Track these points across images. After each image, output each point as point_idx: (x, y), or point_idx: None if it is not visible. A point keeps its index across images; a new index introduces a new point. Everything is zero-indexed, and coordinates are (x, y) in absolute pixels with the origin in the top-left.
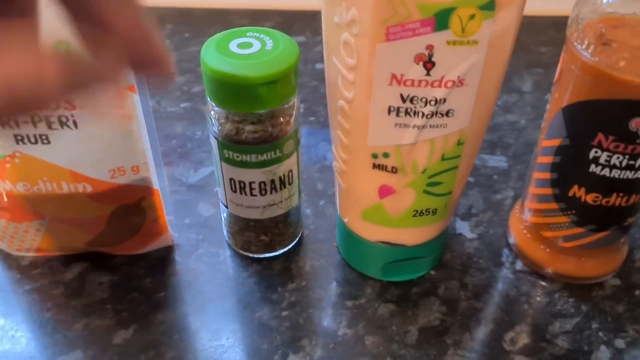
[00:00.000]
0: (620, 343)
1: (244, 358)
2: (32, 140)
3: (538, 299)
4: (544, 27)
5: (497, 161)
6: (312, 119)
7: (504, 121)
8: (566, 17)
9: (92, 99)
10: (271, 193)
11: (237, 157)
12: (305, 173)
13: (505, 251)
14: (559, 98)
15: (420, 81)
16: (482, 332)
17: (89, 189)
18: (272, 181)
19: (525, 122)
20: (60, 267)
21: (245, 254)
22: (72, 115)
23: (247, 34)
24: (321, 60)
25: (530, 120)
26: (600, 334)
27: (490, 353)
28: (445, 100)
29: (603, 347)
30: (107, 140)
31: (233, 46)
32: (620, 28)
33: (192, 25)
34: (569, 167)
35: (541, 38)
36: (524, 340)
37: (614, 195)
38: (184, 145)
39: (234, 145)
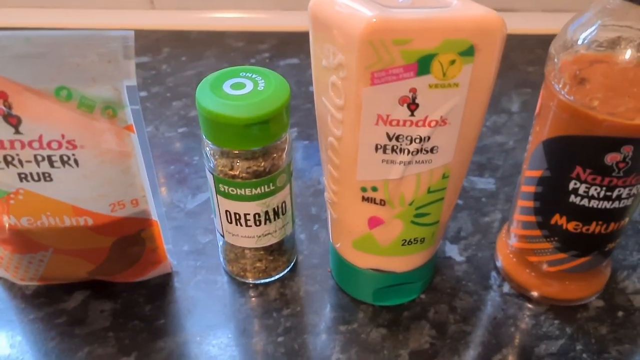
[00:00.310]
0: None
1: None
2: (36, 178)
3: (524, 321)
4: (533, 45)
5: (486, 183)
6: (306, 142)
7: (493, 142)
8: (554, 36)
9: (93, 138)
10: (265, 223)
11: (232, 191)
12: (300, 197)
13: (493, 274)
14: (540, 131)
15: (405, 121)
16: (470, 355)
17: (91, 222)
18: (267, 212)
19: (514, 143)
20: (63, 295)
21: (242, 280)
22: (74, 154)
23: (240, 74)
24: None
25: (518, 142)
26: (584, 355)
27: None
28: (429, 138)
29: None
30: (108, 177)
31: (227, 87)
32: (595, 65)
33: (189, 48)
34: (551, 197)
35: (530, 57)
36: None
37: (594, 223)
38: (181, 171)
39: (229, 180)
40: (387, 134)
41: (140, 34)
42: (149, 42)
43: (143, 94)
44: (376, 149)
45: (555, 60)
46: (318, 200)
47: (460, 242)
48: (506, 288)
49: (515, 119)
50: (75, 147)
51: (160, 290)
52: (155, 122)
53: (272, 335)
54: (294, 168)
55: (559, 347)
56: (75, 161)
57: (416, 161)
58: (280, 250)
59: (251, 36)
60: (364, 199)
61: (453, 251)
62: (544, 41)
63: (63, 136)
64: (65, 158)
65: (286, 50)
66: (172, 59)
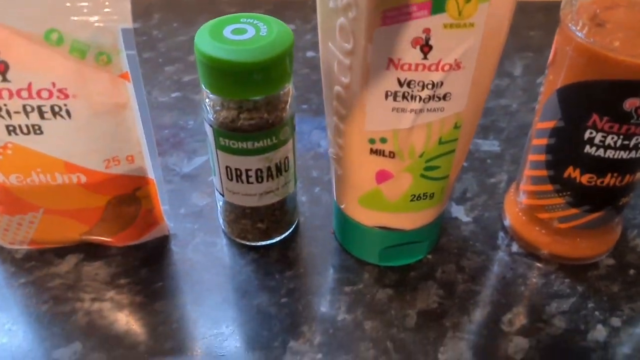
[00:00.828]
0: (616, 322)
1: (244, 345)
2: (25, 130)
3: (534, 280)
4: (534, 10)
5: (490, 145)
6: (304, 106)
7: (496, 105)
8: (556, 1)
9: (85, 87)
10: (267, 180)
11: (233, 144)
12: (300, 161)
13: (501, 234)
14: (554, 80)
15: (417, 65)
16: (480, 314)
17: (84, 179)
18: (269, 168)
19: (517, 106)
20: (55, 259)
21: (242, 242)
22: (65, 105)
23: (241, 20)
24: (312, 48)
25: (522, 104)
26: (597, 313)
27: (489, 335)
28: (442, 83)
29: (599, 326)
30: (101, 130)
31: (227, 32)
32: (614, 9)
33: (181, 14)
34: (564, 149)
35: (531, 22)
36: (521, 321)
37: (609, 175)
38: (176, 135)
39: (230, 133)
40: (398, 80)
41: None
42: (139, 8)
43: None
44: (386, 96)
45: (573, 1)
46: (319, 163)
47: (467, 202)
48: (515, 248)
49: (518, 82)
50: (67, 96)
51: (157, 253)
52: (147, 87)
53: (274, 297)
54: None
55: (570, 305)
56: (67, 112)
57: (428, 109)
58: (282, 210)
59: (245, 2)
60: (372, 151)
61: (459, 212)
62: (545, 7)
63: (54, 84)
64: (56, 109)
65: (282, 15)
66: (164, 25)
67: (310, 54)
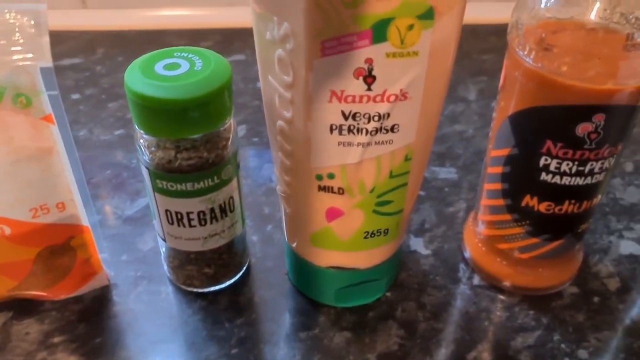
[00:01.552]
0: (583, 354)
1: None
2: None
3: (498, 314)
4: (486, 34)
5: (447, 173)
6: (255, 139)
7: (452, 131)
8: (507, 24)
9: (4, 132)
10: (211, 223)
11: (172, 186)
12: (251, 197)
13: (462, 266)
14: (505, 106)
15: (361, 97)
16: (443, 354)
17: (8, 231)
18: (212, 210)
19: (473, 131)
20: None
21: (189, 289)
22: None
23: (175, 54)
24: None
25: (478, 129)
26: (563, 345)
27: None
28: (389, 115)
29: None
30: (25, 177)
31: (159, 68)
32: (560, 32)
33: (126, 47)
34: (520, 177)
35: (483, 45)
36: (486, 359)
37: (566, 202)
38: (119, 175)
39: (168, 175)
40: (343, 112)
41: (71, 35)
42: (81, 42)
43: (75, 96)
44: (331, 130)
45: (519, 25)
46: (270, 199)
47: (425, 234)
48: (476, 280)
49: (473, 107)
50: None
51: (95, 305)
52: (90, 124)
53: (224, 348)
54: (244, 166)
55: (535, 339)
56: None
57: (376, 142)
58: (230, 253)
59: (193, 34)
60: (320, 188)
61: (418, 244)
62: (497, 30)
63: None
64: None
65: (231, 46)
66: (108, 60)
67: (260, 84)
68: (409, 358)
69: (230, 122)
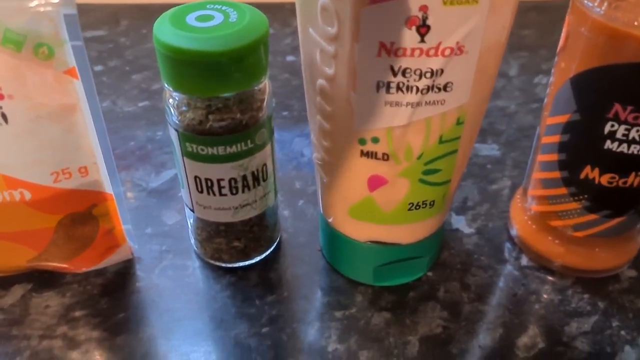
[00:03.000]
0: None
1: None
2: None
3: (549, 297)
4: (525, 10)
5: (490, 149)
6: (285, 113)
7: (493, 107)
8: (546, 1)
9: (24, 86)
10: (243, 191)
11: (202, 150)
12: (281, 172)
13: (508, 245)
14: (566, 67)
15: (413, 50)
16: (491, 338)
17: (28, 196)
18: (244, 177)
19: (516, 107)
20: None
21: (217, 263)
22: (1, 107)
23: (207, 6)
24: (292, 53)
25: (520, 105)
26: (623, 332)
27: None
28: (442, 71)
29: (627, 348)
30: (46, 137)
31: (191, 19)
32: None
33: (151, 20)
34: (580, 146)
35: (523, 21)
36: (539, 345)
37: (632, 174)
38: (143, 147)
39: (198, 137)
40: (392, 68)
41: (94, 7)
42: (104, 14)
43: (98, 68)
44: (378, 87)
45: None
46: (302, 173)
47: (468, 212)
48: (524, 260)
49: (515, 82)
50: (1, 97)
51: (118, 279)
52: (112, 96)
53: (255, 326)
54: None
55: (592, 325)
56: (3, 116)
57: (426, 102)
58: (261, 226)
59: None
60: (362, 153)
61: (460, 223)
62: (536, 6)
63: None
64: None
65: None
66: (132, 32)
67: (290, 58)
68: (454, 341)
69: (266, 82)
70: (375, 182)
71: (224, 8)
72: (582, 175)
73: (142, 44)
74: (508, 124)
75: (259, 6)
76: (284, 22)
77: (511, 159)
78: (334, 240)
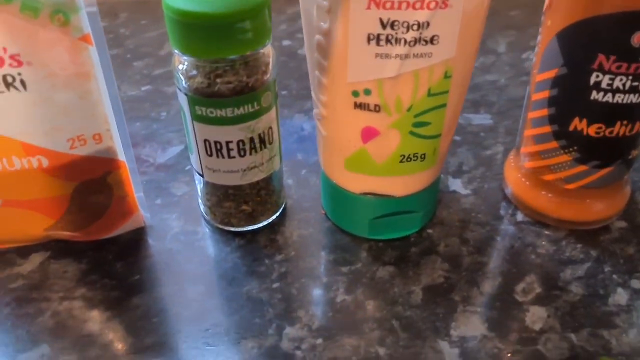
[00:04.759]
0: (636, 283)
1: (235, 336)
2: None
3: (544, 248)
4: None
5: (482, 119)
6: (284, 92)
7: (484, 81)
8: None
9: (41, 52)
10: (251, 154)
11: (211, 112)
12: (284, 144)
13: (504, 204)
14: (552, 25)
15: (400, 2)
16: (490, 285)
17: (46, 163)
18: (252, 139)
19: (506, 81)
20: (17, 259)
21: (226, 228)
22: (20, 74)
23: None
24: (288, 38)
25: (510, 79)
26: (614, 276)
27: (503, 306)
28: (428, 24)
29: (620, 289)
30: (63, 104)
31: None
32: None
33: (149, 12)
34: (568, 99)
35: (510, 3)
36: (536, 290)
37: (618, 124)
38: (148, 127)
39: (207, 100)
40: (381, 20)
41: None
42: (103, 8)
43: None
44: (368, 40)
45: None
46: (303, 145)
47: (464, 175)
48: (520, 216)
49: (504, 58)
50: (20, 63)
51: (132, 246)
52: (116, 81)
53: (265, 282)
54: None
55: (585, 270)
56: (22, 82)
57: (414, 54)
58: (268, 190)
59: None
60: (356, 105)
61: (457, 185)
62: None
63: (5, 50)
64: (9, 79)
65: None
66: (131, 23)
67: (286, 42)
68: (455, 290)
69: (269, 47)
70: (368, 134)
71: None
72: (571, 128)
73: (142, 34)
74: (499, 95)
75: None
76: (279, 10)
77: (503, 126)
78: (333, 194)
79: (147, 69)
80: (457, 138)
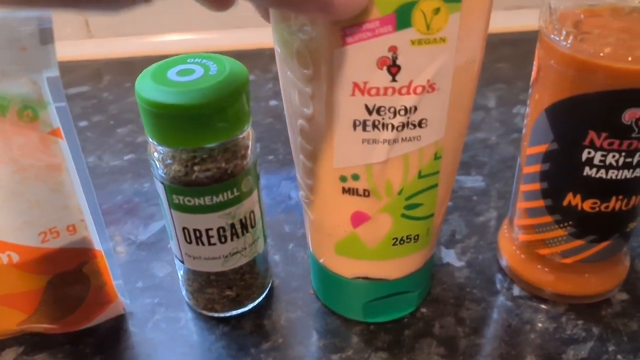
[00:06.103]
0: None
1: None
2: None
3: (543, 325)
4: (497, 45)
5: (474, 181)
6: (270, 157)
7: (474, 139)
8: (517, 33)
9: (10, 149)
10: (232, 240)
11: (189, 201)
12: (269, 216)
13: (499, 276)
14: (540, 99)
15: (386, 89)
16: None
17: (17, 258)
18: (232, 226)
19: (496, 139)
20: None
21: (210, 314)
22: None
23: (188, 60)
24: (274, 97)
25: (501, 136)
26: (619, 356)
27: None
28: (416, 108)
29: None
30: (34, 198)
31: (172, 74)
32: (597, 17)
33: (133, 74)
34: (561, 174)
35: (496, 55)
36: None
37: (613, 199)
38: (130, 201)
39: (184, 189)
40: (367, 106)
41: (78, 65)
42: (88, 71)
43: (83, 123)
44: (354, 126)
45: (552, 10)
46: (290, 217)
47: (457, 245)
48: (516, 290)
49: (494, 113)
50: None
51: (111, 336)
52: (98, 151)
53: None
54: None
55: (589, 351)
56: None
57: (402, 138)
58: (252, 273)
59: None
60: (344, 190)
61: (450, 256)
62: (508, 40)
63: None
64: None
65: None
66: (115, 87)
67: (272, 102)
68: None
69: (249, 129)
70: (358, 218)
71: (204, 61)
72: (565, 203)
73: (125, 98)
74: (490, 155)
75: (239, 54)
76: (265, 68)
77: (496, 190)
78: (324, 279)
79: (130, 135)
80: (449, 203)
